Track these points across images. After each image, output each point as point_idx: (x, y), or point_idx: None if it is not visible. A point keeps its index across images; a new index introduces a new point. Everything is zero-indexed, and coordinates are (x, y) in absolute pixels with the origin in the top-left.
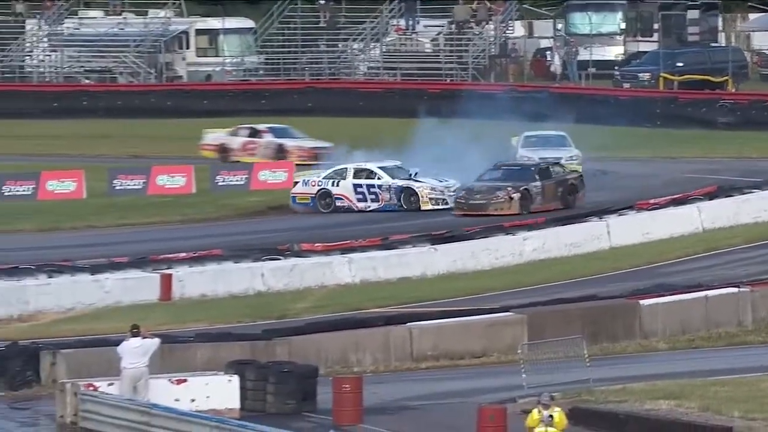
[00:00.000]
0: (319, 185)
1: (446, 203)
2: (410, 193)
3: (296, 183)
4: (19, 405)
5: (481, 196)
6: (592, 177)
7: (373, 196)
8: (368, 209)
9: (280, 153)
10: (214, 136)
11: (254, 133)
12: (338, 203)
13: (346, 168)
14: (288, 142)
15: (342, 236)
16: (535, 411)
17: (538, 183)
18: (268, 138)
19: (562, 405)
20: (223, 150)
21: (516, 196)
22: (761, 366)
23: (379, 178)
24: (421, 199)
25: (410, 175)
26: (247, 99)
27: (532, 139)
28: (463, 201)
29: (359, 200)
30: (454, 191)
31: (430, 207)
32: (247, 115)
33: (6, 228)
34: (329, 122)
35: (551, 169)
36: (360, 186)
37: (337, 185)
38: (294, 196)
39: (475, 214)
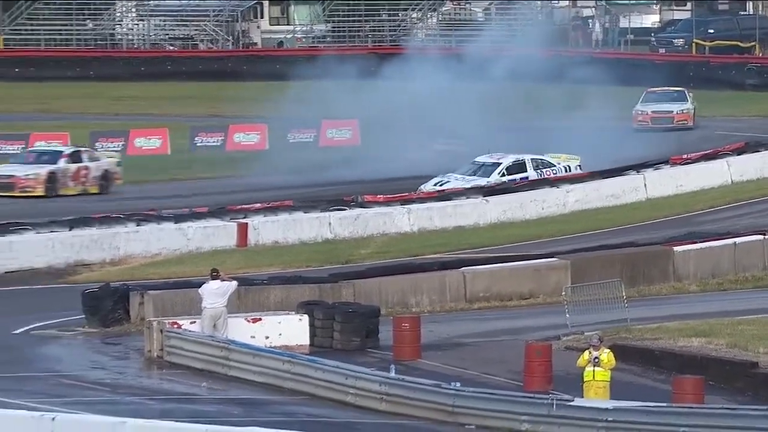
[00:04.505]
0: None
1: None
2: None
3: None
4: (111, 340)
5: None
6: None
7: None
8: None
9: None
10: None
11: None
12: None
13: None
14: None
15: (402, 189)
16: (586, 352)
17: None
18: None
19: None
20: None
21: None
22: None
23: None
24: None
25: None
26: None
27: (651, 95)
28: None
29: None
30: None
31: None
32: (314, 78)
33: None
34: (390, 86)
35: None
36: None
37: None
38: None
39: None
